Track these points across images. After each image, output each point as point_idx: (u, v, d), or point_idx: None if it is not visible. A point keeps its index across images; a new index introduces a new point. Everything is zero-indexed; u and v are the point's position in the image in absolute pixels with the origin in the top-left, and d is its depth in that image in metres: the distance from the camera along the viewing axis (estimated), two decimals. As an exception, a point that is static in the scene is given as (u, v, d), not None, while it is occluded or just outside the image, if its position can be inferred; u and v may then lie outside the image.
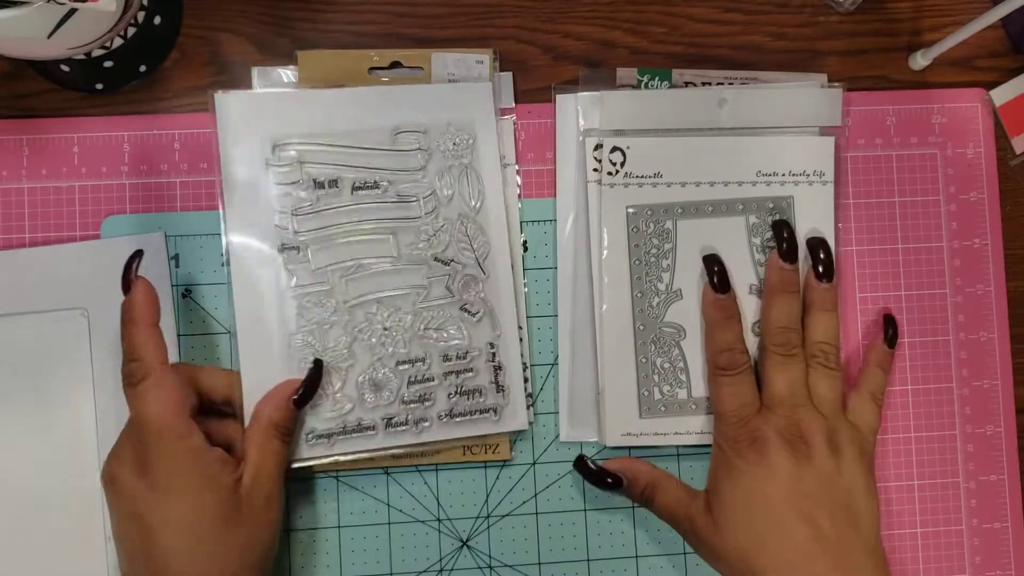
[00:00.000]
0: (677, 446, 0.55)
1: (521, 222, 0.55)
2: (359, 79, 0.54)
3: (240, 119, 0.52)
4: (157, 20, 0.54)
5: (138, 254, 0.48)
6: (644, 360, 0.53)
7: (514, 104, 0.56)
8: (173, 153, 0.54)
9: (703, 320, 0.53)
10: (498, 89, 0.54)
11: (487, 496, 0.54)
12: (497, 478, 0.54)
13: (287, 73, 0.54)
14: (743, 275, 0.53)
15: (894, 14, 0.58)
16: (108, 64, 0.53)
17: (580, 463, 0.52)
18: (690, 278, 0.53)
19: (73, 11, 0.44)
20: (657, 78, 0.56)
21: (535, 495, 0.54)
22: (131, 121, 0.54)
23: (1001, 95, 0.58)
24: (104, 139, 0.54)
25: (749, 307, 0.53)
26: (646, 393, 0.53)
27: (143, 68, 0.54)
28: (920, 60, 0.57)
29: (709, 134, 0.54)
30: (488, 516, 0.54)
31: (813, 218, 0.54)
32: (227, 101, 0.52)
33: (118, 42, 0.52)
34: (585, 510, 0.54)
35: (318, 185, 0.53)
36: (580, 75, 0.56)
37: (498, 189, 0.54)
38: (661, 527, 0.54)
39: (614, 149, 0.53)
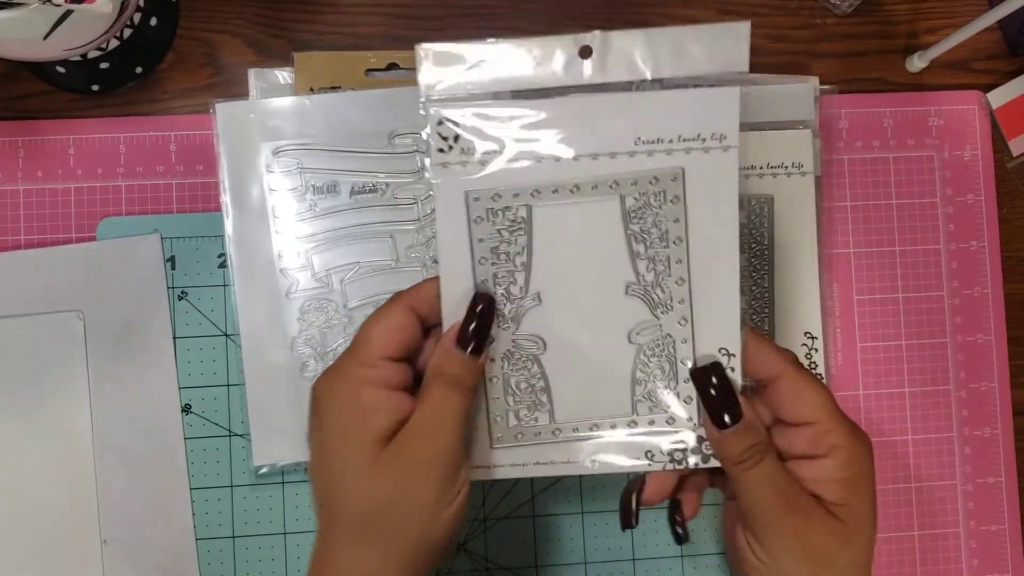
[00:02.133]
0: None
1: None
2: (356, 81, 0.54)
3: (240, 127, 0.52)
4: (153, 22, 0.53)
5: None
6: (495, 379, 0.43)
7: (511, 106, 0.55)
8: (169, 155, 0.54)
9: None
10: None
11: (484, 499, 0.54)
12: (494, 481, 0.54)
13: (284, 75, 0.54)
14: (617, 273, 0.43)
15: (891, 16, 0.58)
16: (104, 66, 0.53)
17: (700, 376, 0.42)
18: (551, 278, 0.43)
19: (69, 12, 0.43)
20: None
21: (532, 498, 0.54)
22: (127, 123, 0.54)
23: (998, 97, 0.58)
24: (100, 141, 0.54)
25: (627, 310, 0.43)
26: (499, 419, 0.43)
27: (139, 70, 0.54)
28: (917, 62, 0.57)
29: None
30: (485, 519, 0.54)
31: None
32: (227, 110, 0.52)
33: (114, 44, 0.52)
34: (582, 513, 0.54)
35: (317, 190, 0.53)
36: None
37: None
38: (659, 530, 0.54)
39: (443, 120, 0.42)
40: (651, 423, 0.43)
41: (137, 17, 0.52)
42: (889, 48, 0.58)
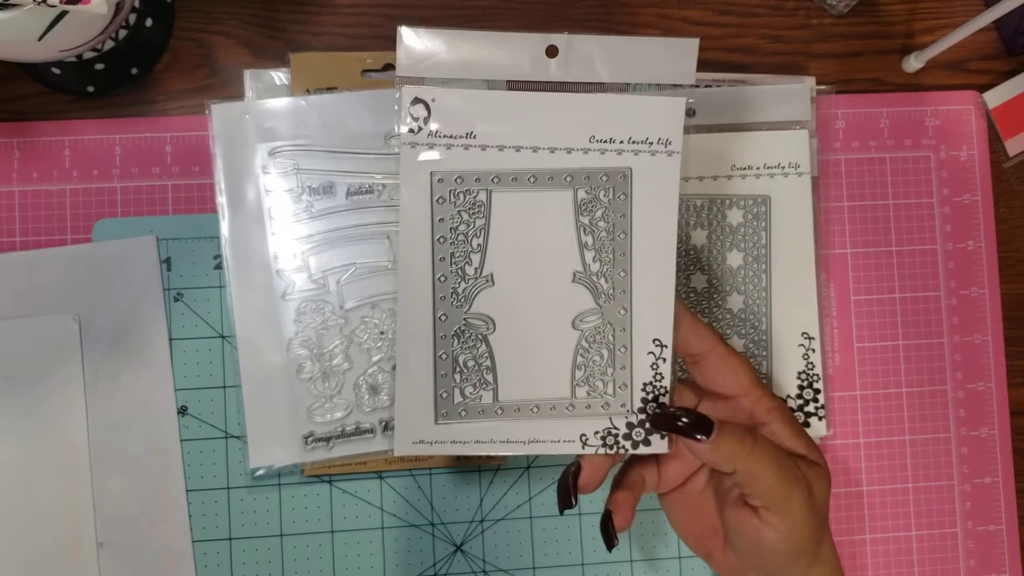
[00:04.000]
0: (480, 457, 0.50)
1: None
2: (352, 82, 0.54)
3: (235, 129, 0.52)
4: (149, 22, 0.53)
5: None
6: (444, 356, 0.45)
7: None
8: (165, 156, 0.54)
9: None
10: (492, 92, 0.54)
11: (481, 500, 0.54)
12: (491, 482, 0.54)
13: (279, 76, 0.54)
14: (566, 261, 0.45)
15: (888, 17, 0.58)
16: (99, 67, 0.53)
17: (659, 417, 0.44)
18: (504, 261, 0.45)
19: (64, 13, 0.43)
20: (646, 81, 0.55)
21: (529, 499, 0.54)
22: (122, 124, 0.54)
23: (994, 97, 0.58)
24: (95, 142, 0.54)
25: (573, 297, 0.45)
26: (444, 395, 0.45)
27: (135, 71, 0.54)
28: (913, 63, 0.57)
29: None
30: (482, 520, 0.54)
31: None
32: (223, 111, 0.52)
33: (109, 44, 0.52)
34: (580, 514, 0.54)
35: (313, 191, 0.53)
36: (573, 78, 0.56)
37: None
38: (656, 532, 0.54)
39: (416, 101, 0.44)
40: (587, 407, 0.45)
41: (132, 18, 0.52)
42: (886, 48, 0.58)
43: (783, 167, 0.54)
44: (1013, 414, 0.57)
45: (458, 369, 0.45)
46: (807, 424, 0.54)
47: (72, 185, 0.53)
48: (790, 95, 0.55)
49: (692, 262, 0.54)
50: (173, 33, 0.55)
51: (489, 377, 0.45)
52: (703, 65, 0.57)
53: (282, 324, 0.52)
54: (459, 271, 0.44)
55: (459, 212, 0.44)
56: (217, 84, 0.55)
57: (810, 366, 0.54)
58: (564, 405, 0.45)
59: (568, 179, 0.45)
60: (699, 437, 0.41)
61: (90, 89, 0.54)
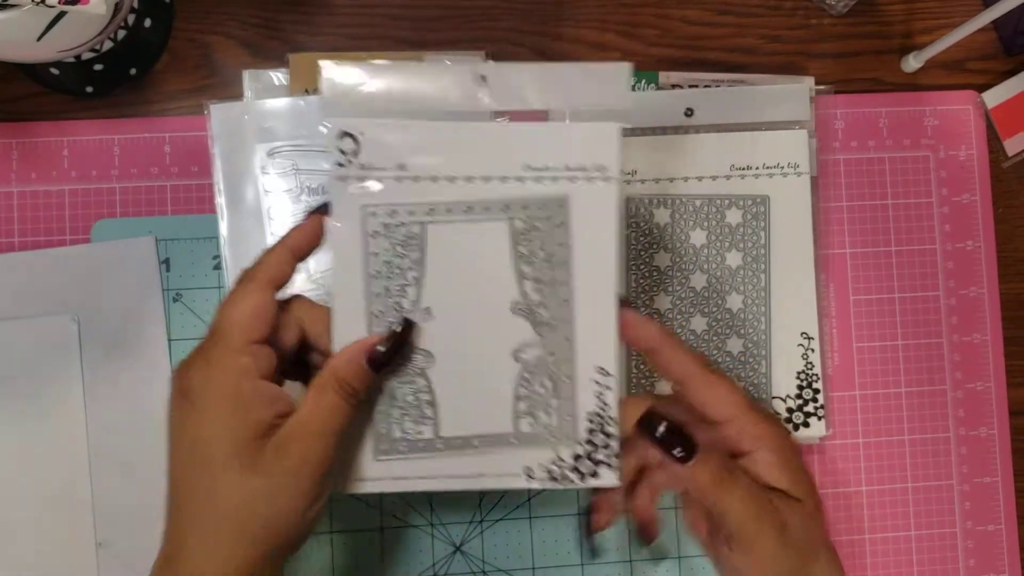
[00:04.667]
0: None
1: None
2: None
3: (234, 129, 0.52)
4: (148, 23, 0.53)
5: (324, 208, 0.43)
6: (382, 392, 0.43)
7: (507, 107, 0.55)
8: (163, 156, 0.54)
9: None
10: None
11: (480, 501, 0.54)
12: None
13: (278, 76, 0.54)
14: (504, 292, 0.44)
15: (886, 17, 0.58)
16: (98, 67, 0.53)
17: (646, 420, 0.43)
18: (441, 293, 0.43)
19: (63, 14, 0.43)
20: (643, 80, 0.56)
21: (528, 500, 0.54)
22: (121, 124, 0.54)
23: (993, 97, 0.58)
24: (94, 142, 0.54)
25: (512, 328, 0.43)
26: (383, 431, 0.43)
27: (133, 71, 0.54)
28: (912, 63, 0.57)
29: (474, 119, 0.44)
30: (481, 521, 0.54)
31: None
32: (222, 111, 0.52)
33: (108, 45, 0.51)
34: (578, 514, 0.54)
35: (312, 192, 0.53)
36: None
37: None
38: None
39: (343, 135, 0.43)
40: (532, 440, 0.43)
41: (131, 18, 0.52)
42: (885, 48, 0.58)
43: (782, 167, 0.54)
44: (1012, 414, 0.57)
45: (396, 404, 0.43)
46: (807, 424, 0.54)
47: (71, 185, 0.53)
48: (789, 95, 0.55)
49: (691, 261, 0.55)
50: (172, 33, 0.55)
51: (429, 412, 0.44)
52: (702, 65, 0.57)
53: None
54: (395, 305, 0.43)
55: (393, 245, 0.43)
56: (216, 84, 0.55)
57: (809, 366, 0.54)
58: (508, 438, 0.43)
59: (504, 209, 0.44)
60: (676, 453, 0.41)
61: (89, 89, 0.54)
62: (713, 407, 0.42)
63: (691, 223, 0.54)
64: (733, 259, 0.54)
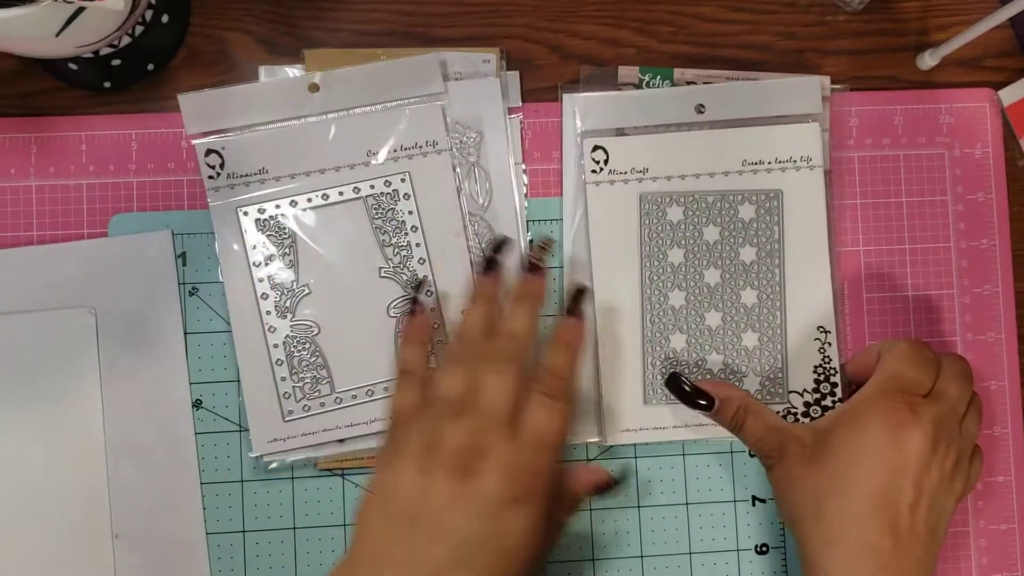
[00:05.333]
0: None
1: (528, 221, 0.55)
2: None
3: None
4: (165, 19, 0.54)
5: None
6: (279, 361, 0.52)
7: (521, 103, 0.55)
8: (180, 151, 0.54)
9: None
10: (505, 88, 0.54)
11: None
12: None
13: (294, 72, 0.54)
14: (371, 260, 0.52)
15: (902, 14, 0.58)
16: (116, 62, 0.53)
17: (672, 381, 0.51)
18: (318, 271, 0.52)
19: (81, 9, 0.44)
20: (659, 77, 0.56)
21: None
22: (139, 119, 0.54)
23: (1009, 95, 0.58)
24: (112, 137, 0.54)
25: (383, 290, 0.53)
26: (286, 394, 0.52)
27: (151, 67, 0.54)
28: (928, 60, 0.57)
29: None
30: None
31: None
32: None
33: (126, 40, 0.52)
34: (591, 509, 0.54)
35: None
36: (581, 74, 0.56)
37: (507, 187, 0.54)
38: (667, 527, 0.54)
39: (208, 151, 0.52)
40: None
41: (149, 14, 0.52)
42: (900, 45, 0.58)
43: (795, 160, 0.54)
44: (1026, 412, 0.57)
45: (294, 370, 0.52)
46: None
47: (89, 180, 0.54)
48: (801, 89, 0.55)
49: (704, 256, 0.54)
50: (189, 29, 0.55)
51: (324, 372, 0.52)
52: (714, 62, 0.57)
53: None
54: (279, 286, 0.52)
55: (268, 236, 0.52)
56: (232, 80, 0.55)
57: (827, 359, 0.54)
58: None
59: (356, 191, 0.52)
60: (701, 402, 0.50)
61: (107, 85, 0.54)
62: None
63: (704, 219, 0.54)
64: (747, 254, 0.54)
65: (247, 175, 0.52)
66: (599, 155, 0.53)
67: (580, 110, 0.54)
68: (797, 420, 0.54)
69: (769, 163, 0.54)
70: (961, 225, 0.57)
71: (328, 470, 0.53)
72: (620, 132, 0.54)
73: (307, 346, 0.52)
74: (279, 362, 0.52)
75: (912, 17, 0.58)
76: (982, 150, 0.57)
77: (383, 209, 0.52)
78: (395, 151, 0.52)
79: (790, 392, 0.54)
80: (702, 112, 0.54)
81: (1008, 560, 0.56)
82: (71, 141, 0.54)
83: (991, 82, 0.58)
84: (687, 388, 0.51)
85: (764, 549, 0.55)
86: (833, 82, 0.56)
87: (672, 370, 0.53)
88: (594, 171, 0.54)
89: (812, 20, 0.58)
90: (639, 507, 0.54)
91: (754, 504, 0.55)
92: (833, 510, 0.46)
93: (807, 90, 0.55)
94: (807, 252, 0.54)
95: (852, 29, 0.58)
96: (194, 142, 0.51)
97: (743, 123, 0.55)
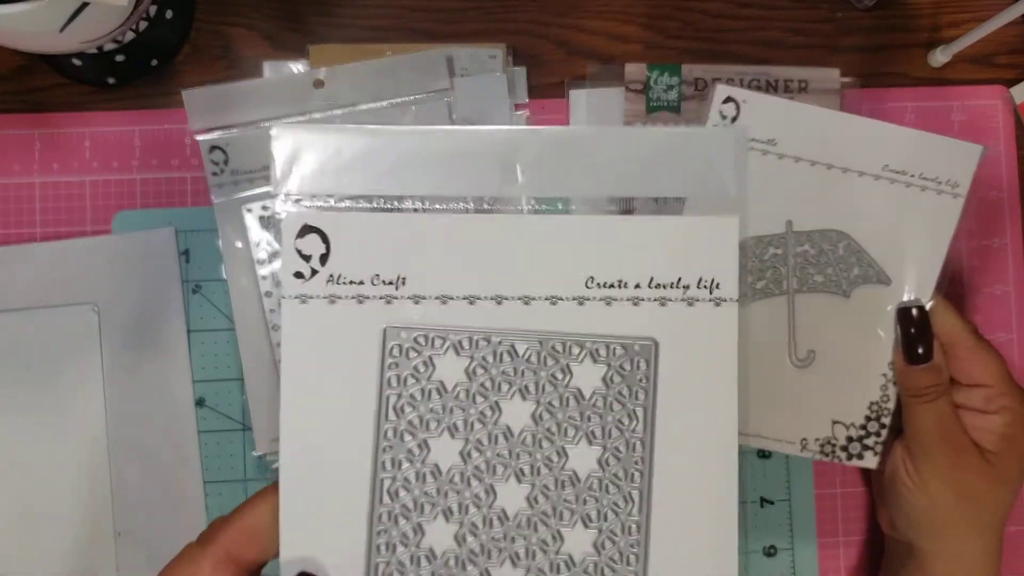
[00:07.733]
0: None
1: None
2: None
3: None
4: (169, 14, 0.53)
5: None
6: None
7: (527, 99, 0.55)
8: (184, 148, 0.54)
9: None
10: (511, 84, 0.54)
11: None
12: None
13: (299, 67, 0.54)
14: None
15: (913, 10, 0.58)
16: (120, 58, 0.53)
17: (903, 314, 0.47)
18: None
19: (85, 5, 0.43)
20: (667, 73, 0.55)
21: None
22: (143, 116, 0.54)
23: (1022, 92, 0.57)
24: (115, 134, 0.54)
25: None
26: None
27: (155, 62, 0.54)
28: (939, 57, 0.57)
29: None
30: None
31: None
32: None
33: (130, 36, 0.52)
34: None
35: None
36: (588, 71, 0.55)
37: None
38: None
39: (211, 149, 0.51)
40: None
41: (153, 10, 0.52)
42: (911, 42, 0.58)
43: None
44: (1038, 414, 0.56)
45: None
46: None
47: (92, 176, 0.54)
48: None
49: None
50: (193, 25, 0.55)
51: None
52: (723, 58, 0.56)
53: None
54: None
55: (271, 233, 0.51)
56: (237, 76, 0.55)
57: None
58: None
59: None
60: (919, 350, 0.46)
61: (110, 80, 0.54)
62: (976, 373, 0.47)
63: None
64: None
65: (251, 172, 0.51)
66: None
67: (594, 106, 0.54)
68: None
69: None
70: (972, 224, 0.56)
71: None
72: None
73: None
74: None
75: (924, 13, 0.58)
76: (994, 148, 0.57)
77: None
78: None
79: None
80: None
81: (1021, 563, 0.55)
82: (74, 137, 0.54)
83: (1003, 79, 0.57)
84: (917, 328, 0.47)
85: (772, 551, 0.54)
86: (843, 77, 0.55)
87: (903, 304, 0.48)
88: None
89: (822, 16, 0.57)
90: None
91: (763, 506, 0.54)
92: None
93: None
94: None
95: (863, 26, 0.57)
96: (198, 138, 0.51)
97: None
